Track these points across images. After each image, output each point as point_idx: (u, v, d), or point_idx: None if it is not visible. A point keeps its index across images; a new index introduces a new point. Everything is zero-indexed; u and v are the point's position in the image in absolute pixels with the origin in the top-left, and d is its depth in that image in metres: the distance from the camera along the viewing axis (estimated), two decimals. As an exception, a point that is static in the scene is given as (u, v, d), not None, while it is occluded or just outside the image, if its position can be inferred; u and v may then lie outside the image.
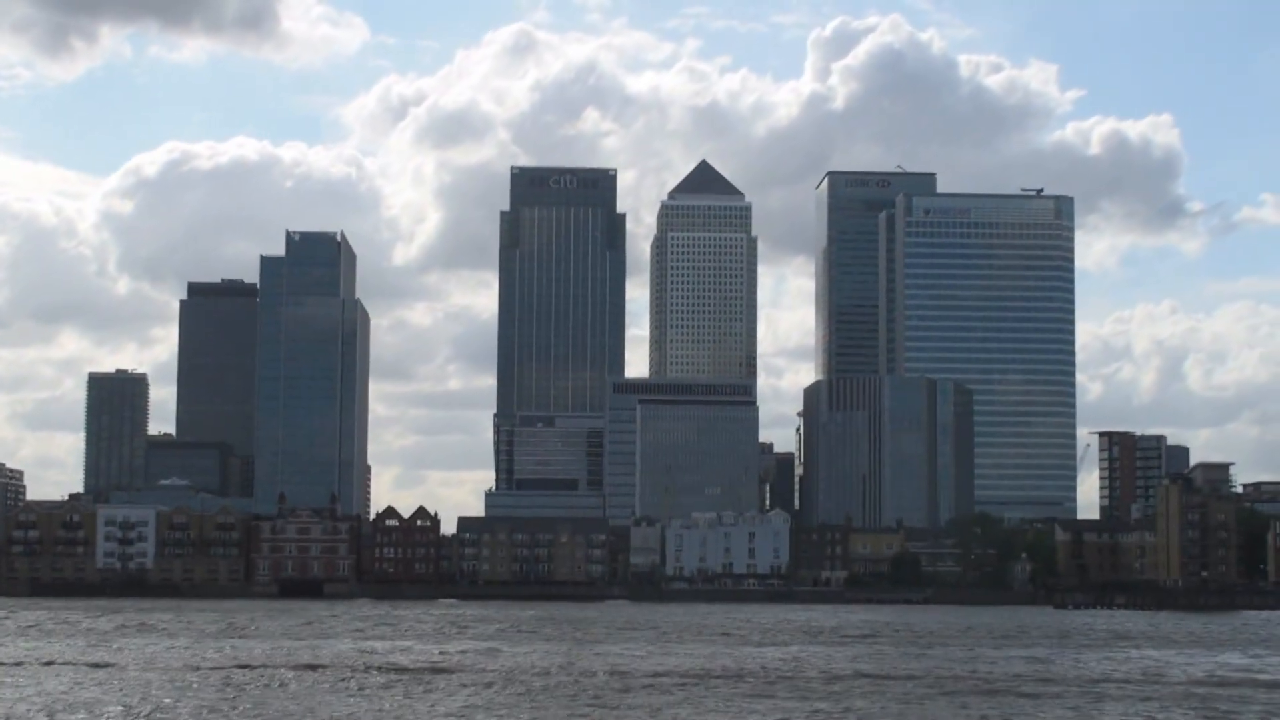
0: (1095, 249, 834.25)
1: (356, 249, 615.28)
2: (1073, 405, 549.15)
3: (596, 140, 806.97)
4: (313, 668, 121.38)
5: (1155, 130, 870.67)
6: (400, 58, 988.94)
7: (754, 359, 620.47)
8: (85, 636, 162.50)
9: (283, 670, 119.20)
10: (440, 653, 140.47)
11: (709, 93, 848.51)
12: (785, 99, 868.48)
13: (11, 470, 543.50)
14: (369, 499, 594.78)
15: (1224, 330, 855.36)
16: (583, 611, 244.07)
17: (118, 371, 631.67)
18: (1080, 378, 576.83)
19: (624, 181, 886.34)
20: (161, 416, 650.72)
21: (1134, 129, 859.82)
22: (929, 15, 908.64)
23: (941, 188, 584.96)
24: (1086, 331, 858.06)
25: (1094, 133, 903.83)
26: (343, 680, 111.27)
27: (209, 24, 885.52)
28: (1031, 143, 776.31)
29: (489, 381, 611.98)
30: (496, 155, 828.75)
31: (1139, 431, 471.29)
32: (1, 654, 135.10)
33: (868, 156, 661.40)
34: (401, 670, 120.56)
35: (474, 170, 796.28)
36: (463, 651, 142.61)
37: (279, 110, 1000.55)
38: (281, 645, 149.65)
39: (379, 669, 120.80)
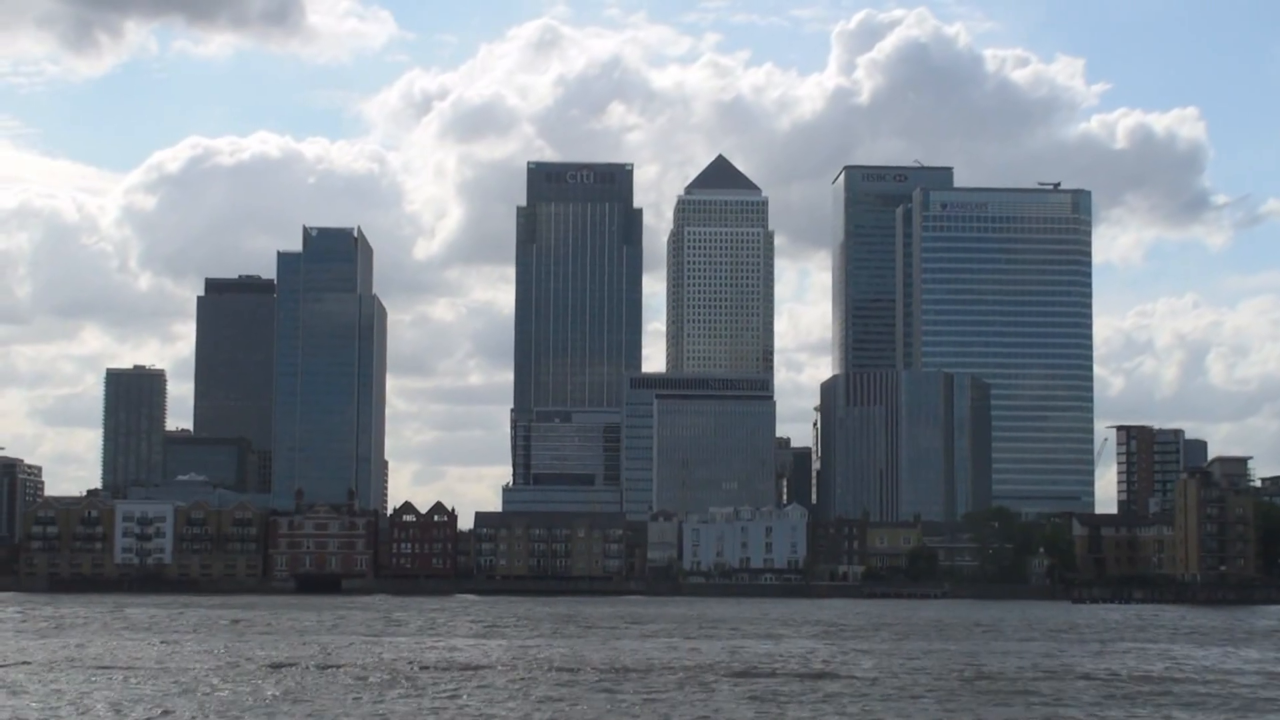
0: (1119, 242, 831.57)
1: (378, 244, 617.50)
2: (1090, 399, 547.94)
3: (621, 135, 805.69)
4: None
5: (1181, 123, 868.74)
6: (423, 52, 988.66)
7: (771, 353, 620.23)
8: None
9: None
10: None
11: (734, 87, 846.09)
12: (809, 93, 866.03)
13: (30, 466, 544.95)
14: (386, 494, 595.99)
15: (1246, 324, 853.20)
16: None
17: (135, 368, 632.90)
18: (1101, 372, 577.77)
19: (648, 176, 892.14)
20: (180, 412, 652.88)
21: (1159, 122, 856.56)
22: (955, 9, 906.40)
23: (965, 182, 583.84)
24: (1108, 325, 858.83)
25: (1119, 126, 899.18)
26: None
27: (235, 18, 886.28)
28: (1056, 136, 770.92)
29: (508, 377, 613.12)
30: (520, 150, 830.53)
31: (1159, 426, 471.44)
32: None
33: (891, 151, 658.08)
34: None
35: (496, 165, 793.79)
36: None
37: (302, 105, 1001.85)
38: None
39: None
